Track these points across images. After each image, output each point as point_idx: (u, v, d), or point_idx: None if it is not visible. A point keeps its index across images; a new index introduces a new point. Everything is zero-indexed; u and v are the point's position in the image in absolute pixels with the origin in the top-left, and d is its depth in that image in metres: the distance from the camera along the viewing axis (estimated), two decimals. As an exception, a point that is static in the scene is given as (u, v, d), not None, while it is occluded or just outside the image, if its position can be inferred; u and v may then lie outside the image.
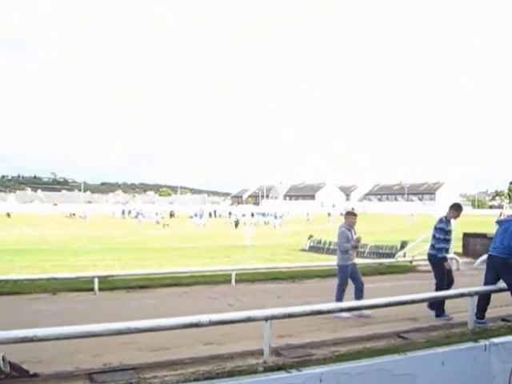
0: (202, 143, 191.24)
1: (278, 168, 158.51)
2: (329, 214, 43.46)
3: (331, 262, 13.38)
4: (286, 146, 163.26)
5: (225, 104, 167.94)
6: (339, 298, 6.52)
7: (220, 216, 58.25)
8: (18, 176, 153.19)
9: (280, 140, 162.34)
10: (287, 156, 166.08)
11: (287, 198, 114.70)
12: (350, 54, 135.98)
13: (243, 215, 38.73)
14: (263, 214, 42.03)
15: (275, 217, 36.10)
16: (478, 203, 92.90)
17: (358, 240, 6.69)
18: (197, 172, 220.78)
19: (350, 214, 6.84)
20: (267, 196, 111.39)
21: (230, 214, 36.47)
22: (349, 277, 6.61)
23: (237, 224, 33.78)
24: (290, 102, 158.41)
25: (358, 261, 13.52)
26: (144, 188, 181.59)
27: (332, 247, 16.87)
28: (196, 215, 36.20)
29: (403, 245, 14.11)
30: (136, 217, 40.63)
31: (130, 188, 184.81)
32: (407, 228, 29.06)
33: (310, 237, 18.43)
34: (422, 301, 6.02)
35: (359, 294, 6.56)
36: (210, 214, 57.71)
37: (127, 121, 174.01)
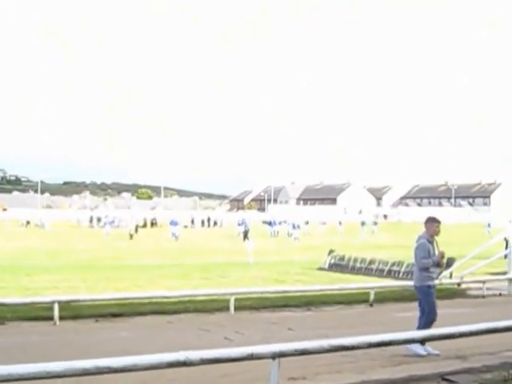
0: (192, 137, 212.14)
1: (288, 166, 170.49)
2: (362, 224, 43.40)
3: (358, 283, 13.50)
4: (295, 142, 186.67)
5: (220, 99, 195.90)
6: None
7: (216, 224, 59.59)
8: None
9: (287, 135, 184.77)
10: (298, 151, 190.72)
11: (301, 201, 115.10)
12: (350, 54, 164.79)
13: (239, 224, 39.13)
14: (270, 223, 42.18)
15: (293, 226, 36.26)
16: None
17: (442, 255, 6.58)
18: (186, 170, 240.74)
19: (433, 221, 6.66)
20: (275, 200, 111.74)
21: (240, 223, 37.41)
22: (433, 301, 6.60)
23: (246, 235, 34.16)
24: (291, 100, 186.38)
25: (391, 282, 13.63)
26: (118, 189, 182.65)
27: (359, 265, 16.87)
28: (172, 223, 36.55)
29: (449, 262, 13.77)
30: (103, 226, 40.51)
31: (101, 189, 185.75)
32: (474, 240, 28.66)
33: (331, 252, 18.42)
34: (472, 334, 6.04)
35: (424, 324, 6.58)
36: (203, 223, 58.18)
37: (101, 109, 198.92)
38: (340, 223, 44.82)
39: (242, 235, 37.43)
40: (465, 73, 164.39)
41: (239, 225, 39.41)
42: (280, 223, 45.87)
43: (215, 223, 59.84)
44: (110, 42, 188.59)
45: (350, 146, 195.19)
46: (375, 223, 44.40)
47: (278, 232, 40.08)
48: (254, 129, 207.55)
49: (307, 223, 43.41)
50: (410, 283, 12.88)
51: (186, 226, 55.54)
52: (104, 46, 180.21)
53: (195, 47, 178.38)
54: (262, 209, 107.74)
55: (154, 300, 9.83)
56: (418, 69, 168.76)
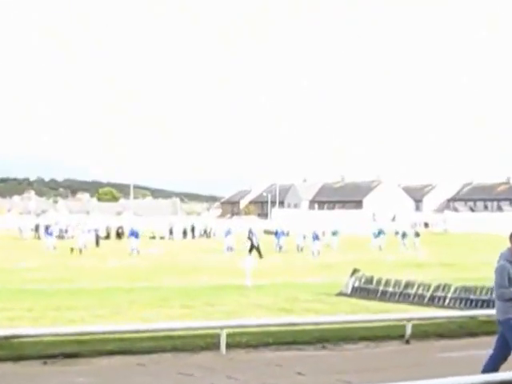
0: (183, 131, 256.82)
1: (296, 162, 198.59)
2: (403, 235, 43.29)
3: (390, 314, 13.54)
4: (299, 139, 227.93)
5: (220, 99, 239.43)
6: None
7: (203, 235, 59.72)
8: None
9: (287, 134, 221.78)
10: (306, 146, 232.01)
11: (315, 204, 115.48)
12: (350, 54, 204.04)
13: (227, 234, 39.91)
14: (276, 233, 42.34)
15: (314, 237, 36.49)
16: None
17: None
18: (164, 165, 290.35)
19: None
20: (281, 203, 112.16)
21: (250, 234, 38.18)
22: None
23: (252, 249, 34.71)
24: (291, 100, 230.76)
25: (434, 312, 13.71)
26: (73, 188, 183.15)
27: (392, 289, 16.94)
28: (132, 234, 36.80)
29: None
30: (50, 237, 40.01)
31: (49, 187, 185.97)
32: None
33: (355, 272, 18.51)
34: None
35: (493, 365, 6.89)
36: (185, 233, 58.45)
37: (100, 108, 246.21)
38: (372, 235, 44.46)
39: (231, 248, 38.31)
40: (465, 73, 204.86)
41: (227, 235, 40.57)
42: (287, 233, 46.00)
43: (203, 233, 60.18)
44: (110, 42, 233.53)
45: (373, 139, 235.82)
46: (417, 234, 43.97)
47: (281, 246, 40.30)
48: (254, 128, 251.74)
49: (323, 234, 43.62)
50: (459, 313, 13.00)
51: (162, 238, 55.93)
52: (104, 46, 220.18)
53: (195, 47, 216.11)
54: (263, 214, 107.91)
55: (121, 335, 9.87)
56: (418, 69, 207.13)
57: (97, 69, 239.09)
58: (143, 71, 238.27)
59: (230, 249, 38.70)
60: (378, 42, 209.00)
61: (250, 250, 34.38)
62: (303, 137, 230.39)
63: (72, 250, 35.40)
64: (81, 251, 35.52)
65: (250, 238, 37.00)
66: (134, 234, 37.04)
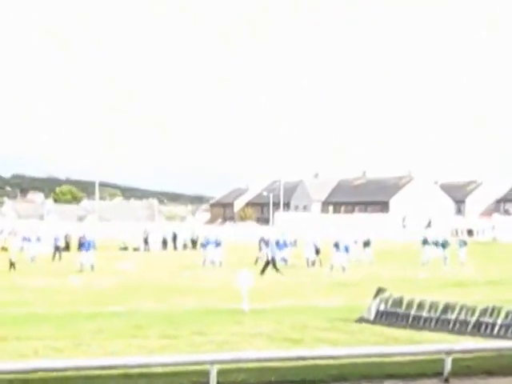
0: (154, 118, 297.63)
1: (302, 154, 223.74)
2: (443, 245, 42.96)
3: (424, 345, 13.43)
4: (301, 136, 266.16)
5: (219, 99, 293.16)
6: None
7: (188, 246, 59.63)
8: None
9: (287, 134, 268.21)
10: (316, 134, 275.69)
11: (330, 206, 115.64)
12: (350, 54, 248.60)
13: (211, 245, 40.58)
14: (277, 244, 42.29)
15: (337, 246, 36.59)
16: None
17: None
18: (138, 159, 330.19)
19: None
20: (286, 204, 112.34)
21: (262, 244, 37.98)
22: None
23: (267, 266, 34.81)
24: (292, 100, 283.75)
25: (480, 343, 13.66)
26: (23, 185, 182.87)
27: (427, 313, 16.95)
28: (83, 246, 36.77)
29: None
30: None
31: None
32: None
33: (380, 292, 18.51)
34: None
35: None
36: (165, 243, 58.41)
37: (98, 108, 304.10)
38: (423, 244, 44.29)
39: (220, 263, 38.62)
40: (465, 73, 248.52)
41: (216, 246, 41.06)
42: (295, 243, 45.93)
43: (187, 243, 60.38)
44: (110, 41, 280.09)
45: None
46: (463, 243, 43.38)
47: (286, 260, 40.43)
48: (254, 126, 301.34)
49: (337, 246, 43.48)
50: (510, 344, 12.96)
51: (136, 249, 56.01)
52: (104, 46, 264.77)
53: (195, 47, 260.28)
54: (263, 219, 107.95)
55: (84, 373, 9.87)
56: (419, 68, 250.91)
57: (97, 69, 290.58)
58: (143, 71, 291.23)
59: (220, 264, 38.95)
60: (378, 41, 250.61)
61: (265, 268, 34.38)
62: (311, 129, 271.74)
63: (12, 264, 35.20)
64: (13, 265, 35.26)
65: (263, 250, 37.19)
66: (86, 244, 36.69)
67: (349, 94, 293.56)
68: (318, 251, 40.66)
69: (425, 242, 43.75)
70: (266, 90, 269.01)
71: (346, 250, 37.21)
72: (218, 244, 41.29)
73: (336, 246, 36.97)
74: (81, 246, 37.86)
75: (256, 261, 40.04)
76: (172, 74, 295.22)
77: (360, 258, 41.81)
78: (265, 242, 39.31)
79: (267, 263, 35.01)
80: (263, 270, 33.84)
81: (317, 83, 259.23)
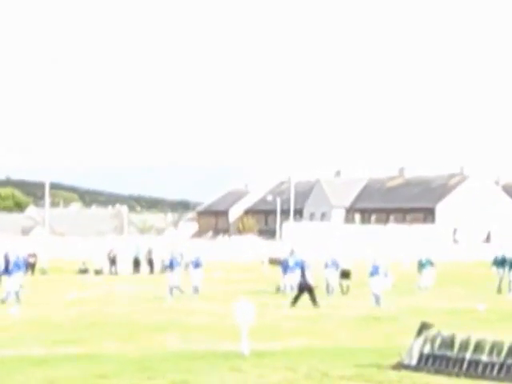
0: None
1: (318, 146, 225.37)
2: (511, 266, 43.03)
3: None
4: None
5: (218, 97, 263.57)
6: None
7: (168, 267, 59.29)
8: None
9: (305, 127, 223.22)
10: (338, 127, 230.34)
11: (357, 214, 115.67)
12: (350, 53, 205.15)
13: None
14: (285, 265, 42.43)
15: (374, 270, 36.52)
16: None
17: None
18: (104, 154, 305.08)
19: None
20: (298, 212, 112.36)
21: (290, 259, 38.48)
22: None
23: (301, 294, 35.05)
24: (292, 97, 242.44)
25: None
26: None
27: (488, 357, 16.89)
28: (6, 270, 36.61)
29: None
30: None
31: None
32: None
33: (424, 328, 18.48)
34: None
35: None
36: (137, 263, 58.43)
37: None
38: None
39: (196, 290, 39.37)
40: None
41: (195, 267, 42.01)
42: (309, 263, 46.11)
43: (167, 264, 59.77)
44: (110, 41, 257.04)
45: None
46: None
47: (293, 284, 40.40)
48: (254, 114, 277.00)
49: (375, 269, 43.55)
50: None
51: (98, 272, 56.18)
52: (103, 46, 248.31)
53: (195, 47, 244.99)
54: (268, 231, 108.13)
55: None
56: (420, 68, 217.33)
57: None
58: (143, 71, 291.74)
59: (196, 291, 40.08)
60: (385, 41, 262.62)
61: (298, 297, 34.55)
62: (331, 115, 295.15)
63: None
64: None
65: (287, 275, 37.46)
66: (15, 266, 36.46)
67: (386, 80, 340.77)
68: (345, 274, 40.80)
69: (499, 261, 43.59)
70: (266, 89, 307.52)
71: (386, 274, 37.25)
72: (197, 265, 41.40)
73: (374, 268, 36.77)
74: (4, 271, 37.47)
75: (277, 289, 40.37)
76: (171, 73, 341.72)
77: (421, 283, 42.21)
78: (286, 262, 39.56)
79: (301, 290, 35.02)
80: (295, 300, 34.05)
81: (317, 83, 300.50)
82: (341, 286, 41.24)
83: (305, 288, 34.97)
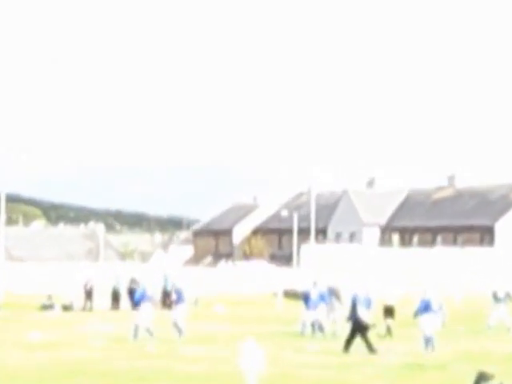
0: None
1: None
2: None
3: None
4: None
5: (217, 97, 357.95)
6: None
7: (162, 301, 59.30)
8: None
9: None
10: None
11: (395, 235, 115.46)
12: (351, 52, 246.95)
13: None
14: (306, 299, 42.44)
15: (428, 305, 36.33)
16: None
17: None
18: (74, 156, 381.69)
19: None
20: (321, 231, 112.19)
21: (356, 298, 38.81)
22: None
23: (355, 334, 34.78)
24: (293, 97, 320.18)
25: None
26: None
27: None
28: None
29: None
30: None
31: None
32: None
33: (481, 380, 18.32)
34: None
35: None
36: (116, 297, 58.23)
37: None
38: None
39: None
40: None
41: (177, 302, 41.27)
42: (336, 296, 45.84)
43: (159, 298, 59.66)
44: (109, 39, 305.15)
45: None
46: None
47: (321, 325, 40.83)
48: (262, 111, 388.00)
49: (426, 304, 43.40)
50: None
51: (68, 308, 55.95)
52: (102, 44, 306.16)
53: (194, 46, 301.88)
54: (282, 256, 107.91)
55: None
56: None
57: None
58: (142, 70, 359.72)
59: (179, 332, 39.54)
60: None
61: (349, 341, 34.33)
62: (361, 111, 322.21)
63: None
64: None
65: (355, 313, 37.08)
66: None
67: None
68: (389, 311, 40.63)
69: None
70: (266, 89, 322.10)
71: (436, 308, 36.81)
72: (179, 298, 41.12)
73: (424, 303, 36.45)
74: None
75: (303, 328, 40.39)
76: (170, 72, 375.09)
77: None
78: (307, 295, 39.69)
79: (354, 331, 34.67)
80: (348, 344, 33.91)
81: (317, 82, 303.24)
82: (387, 328, 40.89)
83: (358, 328, 34.56)
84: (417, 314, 35.73)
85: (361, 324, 34.44)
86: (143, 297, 40.57)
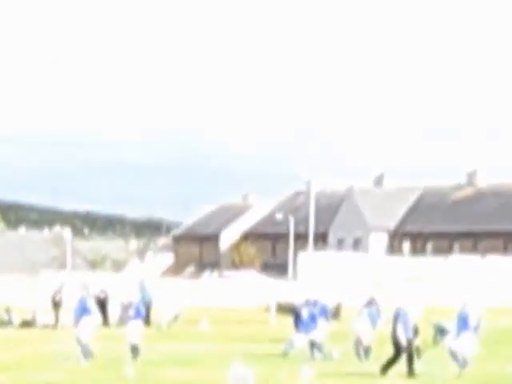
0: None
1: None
2: None
3: None
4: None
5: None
6: None
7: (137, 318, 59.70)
8: None
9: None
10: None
11: (406, 241, 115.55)
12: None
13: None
14: (297, 315, 42.54)
15: (464, 321, 36.29)
16: None
17: None
18: (33, 149, 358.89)
19: None
20: (321, 236, 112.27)
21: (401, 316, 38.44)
22: None
23: (397, 357, 34.56)
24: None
25: None
26: None
27: None
28: None
29: None
30: None
31: None
32: None
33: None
34: None
35: None
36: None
37: None
38: None
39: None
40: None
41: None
42: (337, 311, 45.82)
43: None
44: (109, 40, 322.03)
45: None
46: None
47: (320, 345, 40.75)
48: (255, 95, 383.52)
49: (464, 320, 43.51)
50: None
51: (28, 323, 55.93)
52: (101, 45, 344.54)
53: (194, 45, 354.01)
54: (276, 265, 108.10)
55: None
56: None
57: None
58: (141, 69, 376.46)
59: (134, 355, 39.32)
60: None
61: (391, 362, 34.33)
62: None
63: None
64: None
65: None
66: None
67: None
68: (416, 332, 40.19)
69: None
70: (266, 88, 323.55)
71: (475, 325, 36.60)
72: (138, 314, 41.11)
73: (462, 319, 36.25)
74: None
75: (287, 348, 40.49)
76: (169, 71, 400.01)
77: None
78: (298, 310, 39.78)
79: (398, 351, 34.44)
80: (388, 365, 33.88)
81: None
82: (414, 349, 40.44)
83: (402, 347, 34.40)
84: (452, 331, 35.47)
85: (403, 343, 34.22)
86: (83, 310, 40.56)
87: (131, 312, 40.94)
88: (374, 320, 40.04)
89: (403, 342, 34.00)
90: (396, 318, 34.83)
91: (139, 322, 40.29)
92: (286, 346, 41.43)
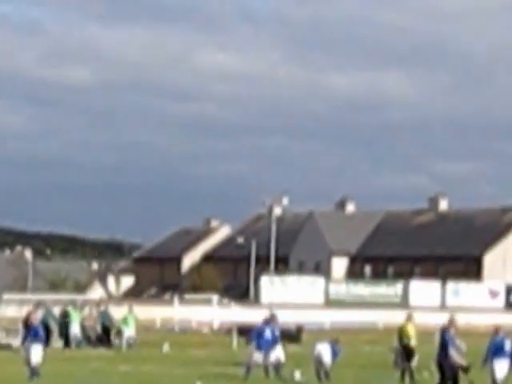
0: None
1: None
2: None
3: None
4: None
5: None
6: None
7: (93, 341, 59.13)
8: None
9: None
10: None
11: (367, 265, 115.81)
12: None
13: None
14: (259, 336, 42.73)
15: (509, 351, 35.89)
16: None
17: None
18: None
19: None
20: (282, 260, 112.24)
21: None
22: None
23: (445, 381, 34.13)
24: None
25: None
26: None
27: None
28: None
29: None
30: None
31: None
32: None
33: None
34: None
35: None
36: (46, 332, 58.11)
37: None
38: None
39: None
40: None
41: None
42: (298, 335, 45.95)
43: (99, 336, 59.78)
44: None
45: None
46: None
47: (278, 367, 40.77)
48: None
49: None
50: None
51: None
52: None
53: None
54: (237, 288, 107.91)
55: None
56: None
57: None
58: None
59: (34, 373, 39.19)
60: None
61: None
62: None
63: None
64: None
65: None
66: None
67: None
68: (408, 352, 39.95)
69: None
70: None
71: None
72: (36, 336, 41.03)
73: (498, 343, 35.78)
74: None
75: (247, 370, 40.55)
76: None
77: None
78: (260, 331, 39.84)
79: (445, 375, 33.98)
80: None
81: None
82: (403, 371, 39.74)
83: (451, 370, 33.86)
84: (487, 356, 33.68)
85: (452, 365, 33.66)
86: (36, 334, 40.62)
87: (31, 334, 40.86)
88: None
89: (461, 363, 33.79)
90: (444, 341, 34.19)
91: (39, 345, 40.23)
92: (246, 369, 41.36)
